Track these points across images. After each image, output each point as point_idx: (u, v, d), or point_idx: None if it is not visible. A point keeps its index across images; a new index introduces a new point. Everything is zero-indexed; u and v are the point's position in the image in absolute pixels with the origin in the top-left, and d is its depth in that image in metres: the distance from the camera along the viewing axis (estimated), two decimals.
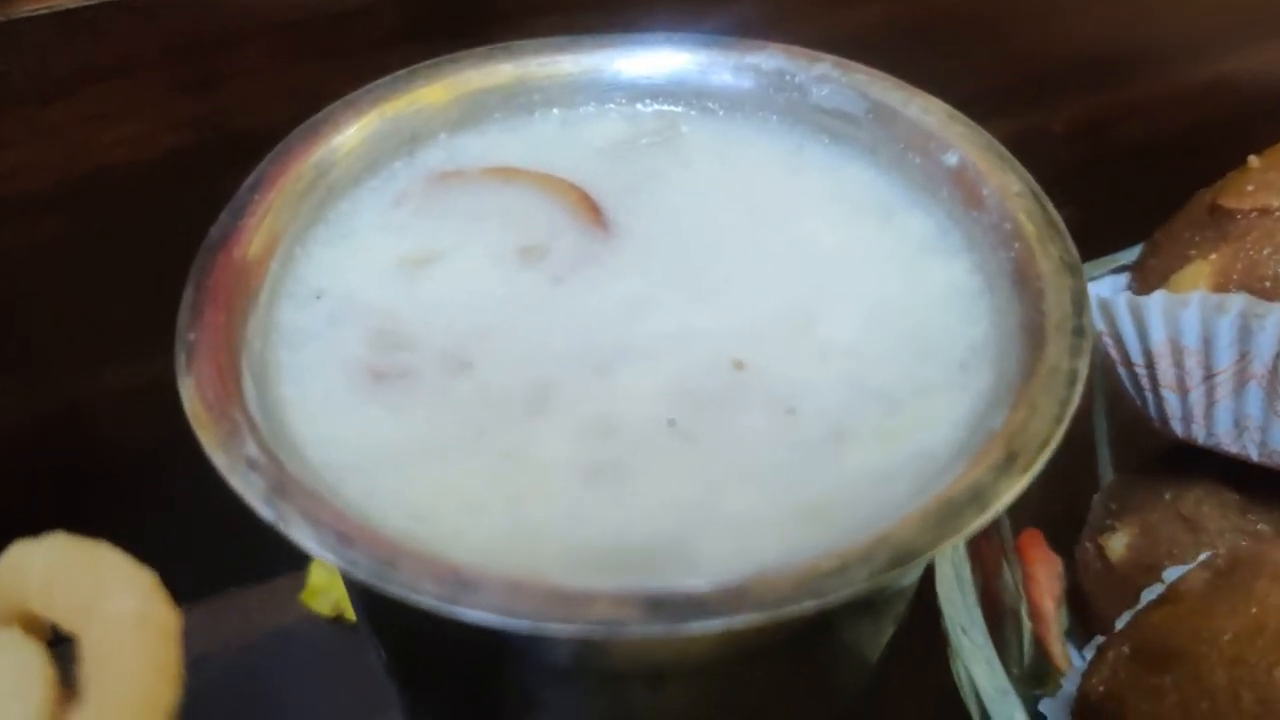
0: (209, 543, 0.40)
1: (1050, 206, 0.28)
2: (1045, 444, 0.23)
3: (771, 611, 0.20)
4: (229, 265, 0.26)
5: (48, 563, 0.18)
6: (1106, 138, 0.50)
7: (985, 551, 0.34)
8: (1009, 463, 0.22)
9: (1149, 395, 0.35)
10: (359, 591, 0.26)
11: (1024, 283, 0.27)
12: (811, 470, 0.24)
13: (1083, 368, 0.24)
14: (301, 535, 0.21)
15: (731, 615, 0.19)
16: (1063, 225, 0.27)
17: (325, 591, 0.43)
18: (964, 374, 0.26)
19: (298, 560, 0.44)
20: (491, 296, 0.28)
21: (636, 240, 0.30)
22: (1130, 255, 0.38)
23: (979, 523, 0.21)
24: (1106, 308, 0.34)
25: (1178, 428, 0.34)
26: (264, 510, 0.21)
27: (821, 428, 0.25)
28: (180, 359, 0.24)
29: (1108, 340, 0.35)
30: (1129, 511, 0.36)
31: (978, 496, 0.22)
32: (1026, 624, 0.37)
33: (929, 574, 0.33)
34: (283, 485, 0.22)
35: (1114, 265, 0.38)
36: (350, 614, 0.43)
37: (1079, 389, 0.23)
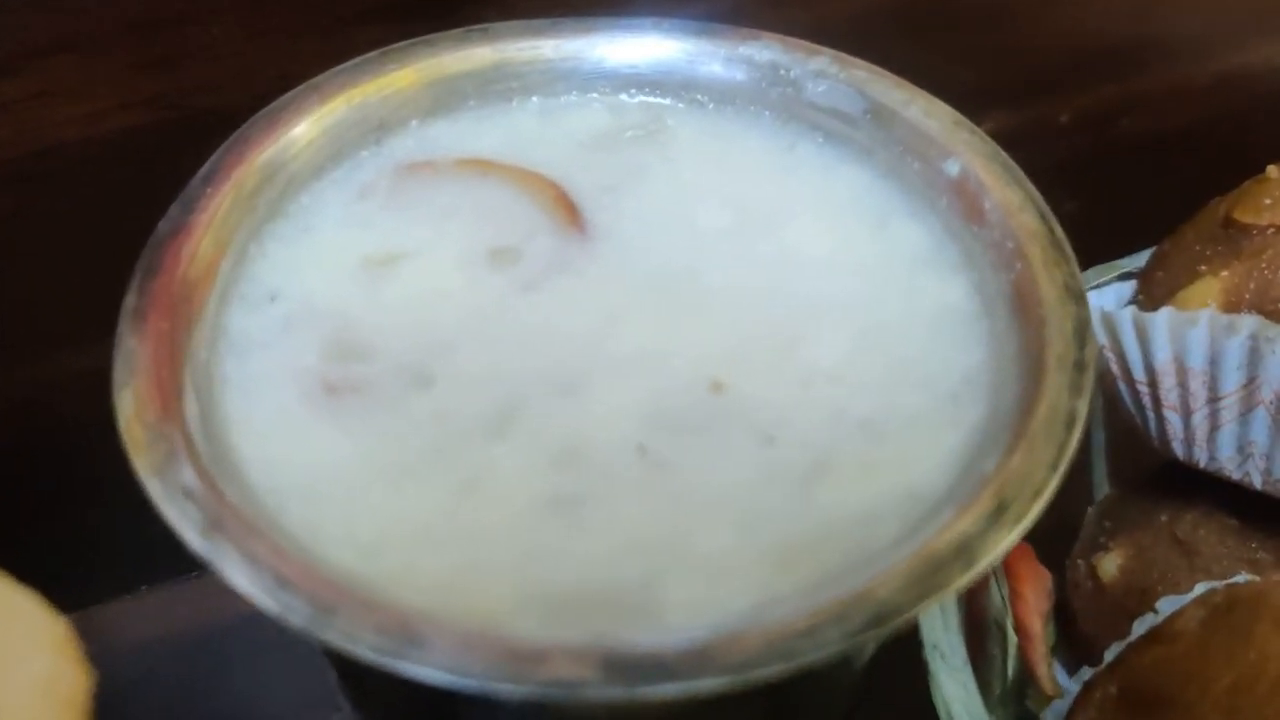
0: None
1: (1057, 226, 0.26)
2: (1039, 493, 0.21)
3: (736, 676, 0.18)
4: (176, 266, 0.25)
5: None
6: (1111, 132, 0.48)
7: None
8: (999, 513, 0.21)
9: (1150, 414, 0.33)
10: None
11: (1024, 309, 0.25)
12: (789, 508, 0.23)
13: (1083, 408, 0.22)
14: (236, 575, 0.19)
15: (694, 680, 0.18)
16: (1069, 248, 0.26)
17: None
18: (955, 406, 0.24)
19: None
20: (457, 304, 0.26)
21: (614, 244, 0.28)
22: (1136, 262, 0.37)
23: (964, 580, 0.20)
24: (1110, 322, 0.32)
25: (1179, 450, 0.33)
26: (199, 545, 0.20)
27: (802, 460, 0.23)
28: (118, 370, 0.23)
29: (1109, 355, 0.33)
30: (1123, 531, 0.34)
31: (964, 550, 0.20)
32: (1011, 639, 0.36)
33: None
34: (219, 518, 0.20)
35: (1119, 272, 0.37)
36: None
37: (1078, 432, 0.22)
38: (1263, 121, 0.46)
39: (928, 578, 0.20)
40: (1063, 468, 0.21)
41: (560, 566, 0.21)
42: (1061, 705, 0.29)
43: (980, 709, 0.27)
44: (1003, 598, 0.36)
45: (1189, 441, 0.32)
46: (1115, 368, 0.33)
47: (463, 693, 0.22)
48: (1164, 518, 0.34)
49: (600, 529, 0.22)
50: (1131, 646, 0.28)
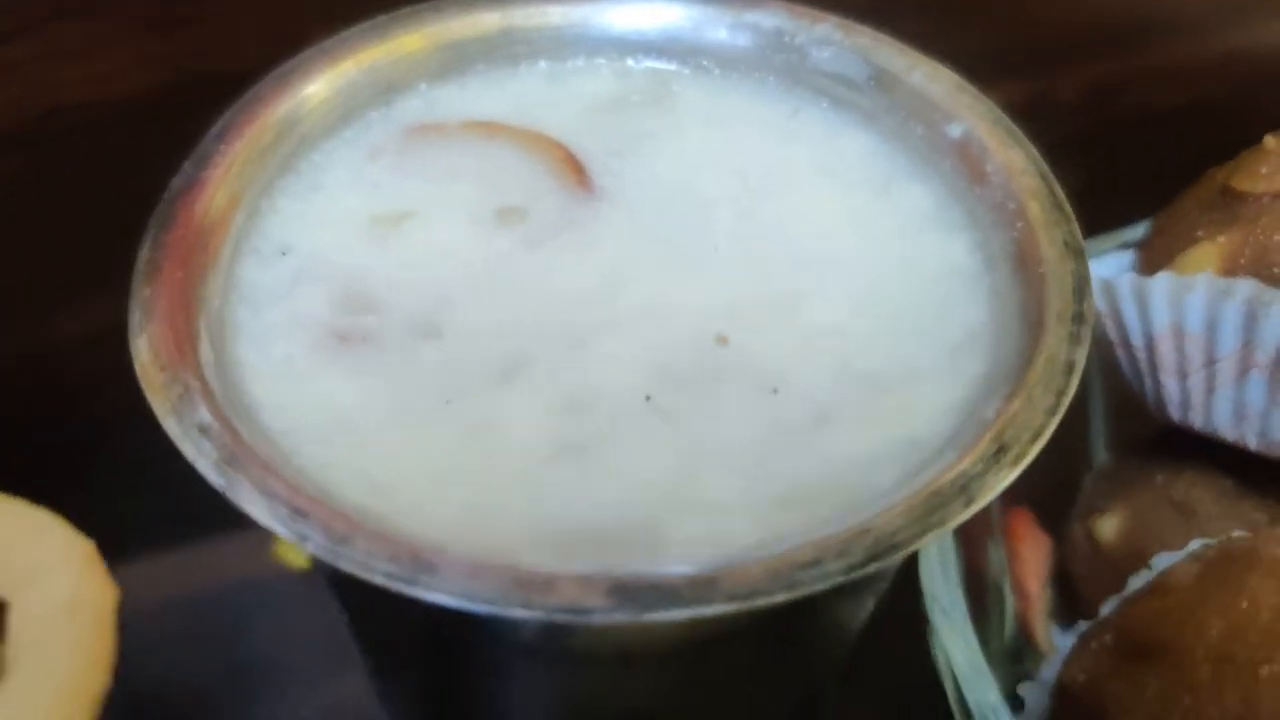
0: (176, 491, 0.39)
1: (1057, 187, 0.26)
2: (1038, 436, 0.22)
3: (742, 603, 0.19)
4: (190, 220, 0.25)
5: None
6: (1114, 106, 0.48)
7: (971, 528, 0.33)
8: (999, 454, 0.21)
9: (1147, 379, 0.34)
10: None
11: (1025, 266, 0.25)
12: (792, 453, 0.23)
13: (1081, 358, 0.23)
14: (253, 506, 0.20)
15: (700, 605, 0.19)
16: (1069, 208, 0.26)
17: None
18: (956, 359, 0.25)
19: None
20: (465, 261, 0.27)
21: (621, 205, 0.28)
22: (1136, 232, 0.37)
23: (964, 516, 0.20)
24: (1109, 288, 0.33)
25: (1175, 413, 0.33)
26: (215, 479, 0.20)
27: (804, 409, 0.24)
28: (134, 317, 0.23)
29: (1107, 321, 0.34)
30: (1120, 494, 0.35)
31: (964, 488, 0.21)
32: (1010, 600, 0.36)
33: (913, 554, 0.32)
34: (235, 454, 0.21)
35: (1118, 242, 0.37)
36: None
37: (1076, 380, 0.22)
38: (1263, 98, 0.46)
39: (928, 514, 0.20)
40: (1061, 412, 0.22)
41: (569, 507, 0.22)
42: (1057, 659, 0.29)
43: (981, 661, 0.28)
44: (1001, 561, 0.36)
45: (1185, 405, 0.33)
46: (1113, 334, 0.34)
47: (469, 630, 0.23)
48: (1160, 480, 0.34)
49: (608, 473, 0.23)
50: (1127, 600, 0.28)
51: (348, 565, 0.19)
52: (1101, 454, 0.39)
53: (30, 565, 0.16)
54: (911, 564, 0.32)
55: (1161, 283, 0.32)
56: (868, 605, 0.28)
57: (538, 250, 0.27)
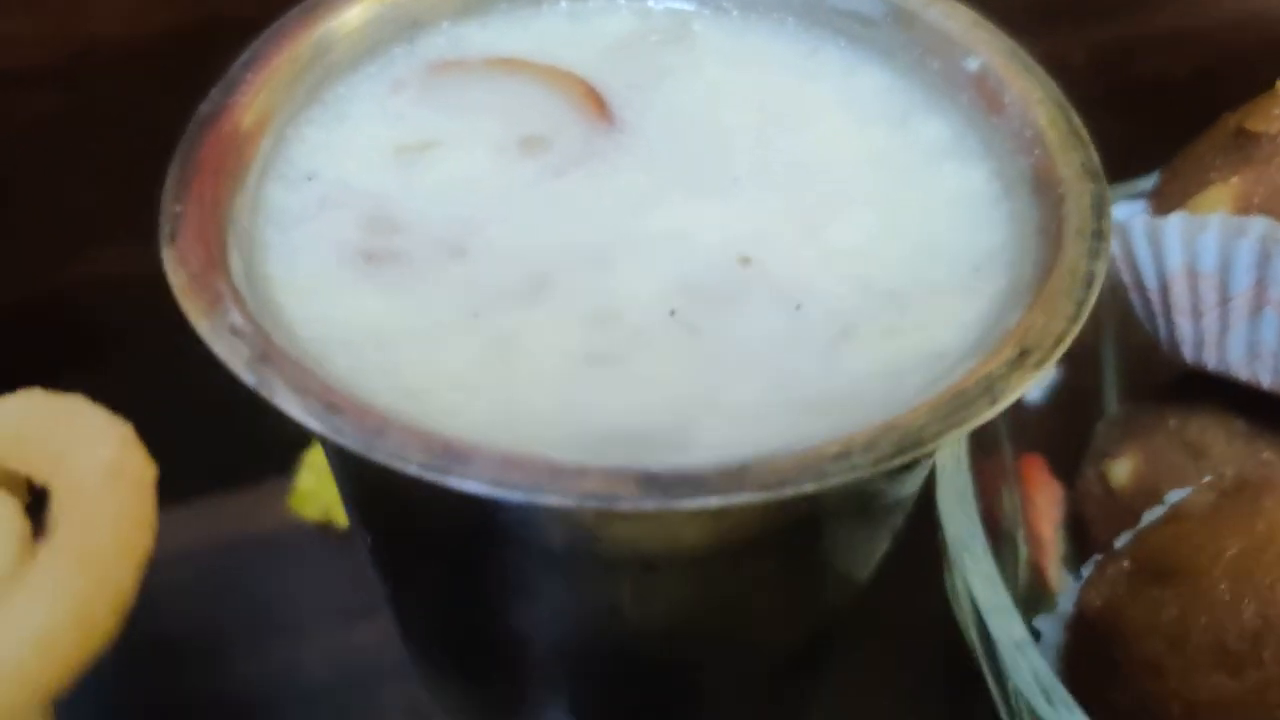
0: (192, 444, 0.39)
1: (1074, 116, 0.27)
2: (1060, 341, 0.22)
3: (770, 492, 0.19)
4: (219, 140, 0.25)
5: (20, 415, 0.18)
6: (1127, 70, 0.49)
7: (986, 474, 0.33)
8: (1022, 358, 0.21)
9: (1160, 321, 0.34)
10: (342, 463, 0.25)
11: (1043, 189, 0.26)
12: (817, 365, 0.23)
13: (1101, 271, 0.23)
14: (286, 402, 0.20)
15: (729, 493, 0.19)
16: (1085, 133, 0.26)
17: (313, 497, 0.42)
18: (977, 277, 0.25)
19: (285, 465, 0.44)
20: (489, 187, 0.27)
21: (642, 137, 0.29)
22: (1148, 183, 0.37)
23: (988, 414, 0.21)
24: (1122, 230, 0.33)
25: (1188, 353, 0.34)
26: (248, 377, 0.21)
27: (828, 325, 0.24)
28: (164, 230, 0.23)
29: (1121, 264, 0.34)
30: (1132, 438, 0.35)
31: (989, 389, 0.21)
32: (1023, 550, 0.36)
33: (927, 497, 0.33)
34: (267, 353, 0.21)
35: (1131, 192, 0.37)
36: (339, 519, 0.42)
37: (1096, 290, 0.23)
38: (1275, 62, 0.47)
39: (955, 412, 0.20)
40: (1081, 321, 0.22)
41: (597, 411, 0.22)
42: (1072, 590, 0.29)
43: (1004, 595, 0.28)
44: (1015, 509, 0.36)
45: (1199, 345, 0.33)
46: (1127, 277, 0.34)
47: (494, 538, 0.23)
48: (1173, 423, 0.34)
49: (634, 381, 0.23)
50: (1143, 530, 0.28)
51: (381, 456, 0.19)
52: (1113, 405, 0.39)
53: (69, 442, 0.16)
54: (924, 511, 0.32)
55: (1175, 223, 0.32)
56: (882, 541, 0.28)
57: (561, 178, 0.27)
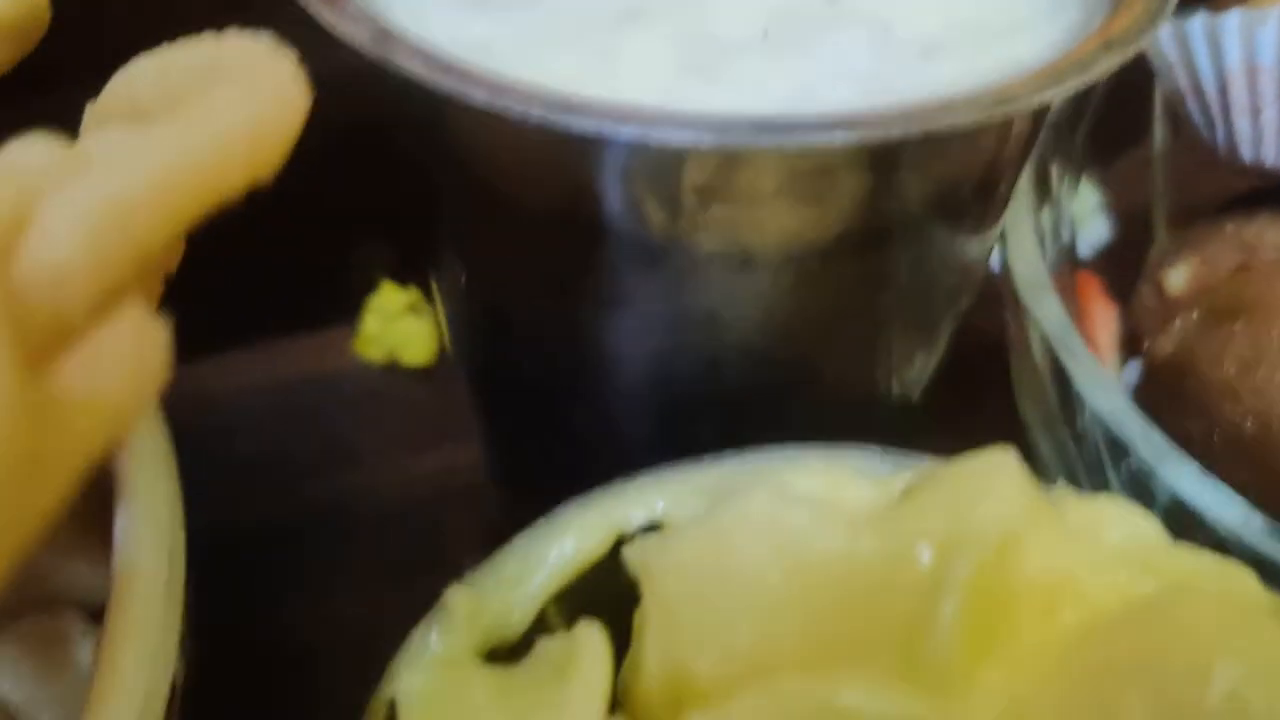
0: (255, 292, 0.40)
1: None
2: (1144, 31, 0.23)
3: (878, 131, 0.20)
4: None
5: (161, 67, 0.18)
6: None
7: None
8: (1108, 46, 0.22)
9: (1219, 123, 0.35)
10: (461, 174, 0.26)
11: None
12: (907, 76, 0.24)
13: None
14: (412, 62, 0.21)
15: (838, 131, 0.20)
16: None
17: (378, 340, 0.43)
18: (1056, 11, 0.26)
19: (349, 311, 0.45)
20: None
21: None
22: None
23: (1079, 82, 0.21)
24: (1180, 31, 0.34)
25: (1246, 153, 0.34)
26: (372, 49, 0.22)
27: (915, 45, 0.25)
28: None
29: (1179, 70, 0.35)
30: (1189, 246, 0.36)
31: (1079, 66, 0.22)
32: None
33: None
34: (387, 33, 0.22)
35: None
36: (405, 358, 0.43)
37: (1172, 6, 0.24)
38: None
39: (1048, 81, 0.21)
40: (1161, 19, 0.23)
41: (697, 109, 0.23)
42: (1132, 368, 0.30)
43: (1074, 332, 0.27)
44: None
45: (1258, 142, 0.34)
46: (1184, 82, 0.35)
47: (594, 235, 0.24)
48: (1230, 229, 0.35)
49: (731, 86, 0.24)
50: (1211, 281, 0.29)
51: (506, 103, 0.20)
52: (1164, 236, 0.40)
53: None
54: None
55: (1233, 19, 0.33)
56: (962, 284, 0.28)
57: None
